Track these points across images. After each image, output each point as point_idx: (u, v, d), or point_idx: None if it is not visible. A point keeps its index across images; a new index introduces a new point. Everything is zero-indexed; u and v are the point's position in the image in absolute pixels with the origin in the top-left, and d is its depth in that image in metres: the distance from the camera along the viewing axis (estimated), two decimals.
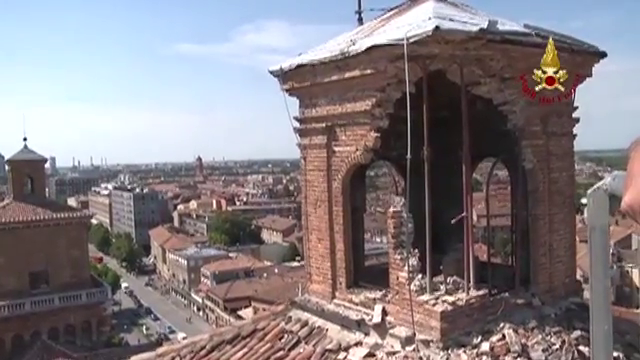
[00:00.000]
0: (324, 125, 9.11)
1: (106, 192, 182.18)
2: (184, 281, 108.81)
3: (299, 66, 9.15)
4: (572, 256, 9.38)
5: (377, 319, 8.27)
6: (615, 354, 7.91)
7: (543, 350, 7.39)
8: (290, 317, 9.92)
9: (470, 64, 7.93)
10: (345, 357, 8.31)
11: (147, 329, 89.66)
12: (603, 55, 9.28)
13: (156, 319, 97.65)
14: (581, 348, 7.77)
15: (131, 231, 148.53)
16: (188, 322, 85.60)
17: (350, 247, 9.19)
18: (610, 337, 2.42)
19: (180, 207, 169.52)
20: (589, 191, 2.06)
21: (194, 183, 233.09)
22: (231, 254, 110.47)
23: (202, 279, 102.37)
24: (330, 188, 9.15)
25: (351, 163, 8.81)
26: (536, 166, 8.72)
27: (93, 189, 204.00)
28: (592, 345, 2.51)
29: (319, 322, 9.37)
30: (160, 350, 10.64)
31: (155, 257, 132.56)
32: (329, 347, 8.67)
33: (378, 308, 8.36)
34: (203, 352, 10.00)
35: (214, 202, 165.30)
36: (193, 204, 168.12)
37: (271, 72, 9.80)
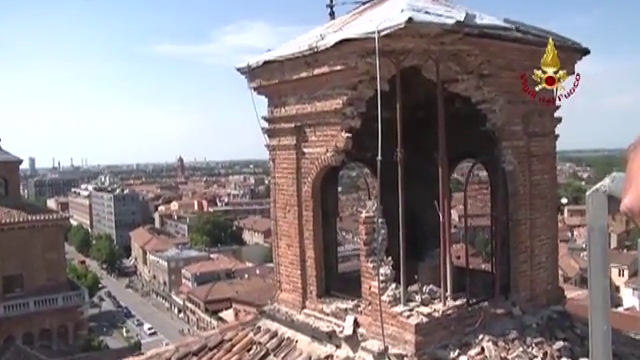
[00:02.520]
0: (293, 125, 8.61)
1: (86, 193, 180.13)
2: (165, 283, 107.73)
3: (266, 62, 8.63)
4: (554, 262, 8.95)
5: (348, 331, 7.78)
6: None
7: None
8: (259, 327, 9.41)
9: (446, 60, 7.46)
10: None
11: (127, 331, 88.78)
12: (586, 52, 8.88)
13: (129, 316, 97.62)
14: None
15: (112, 232, 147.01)
16: (181, 334, 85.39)
17: (321, 254, 8.69)
18: (609, 338, 2.43)
19: (161, 208, 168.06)
20: (588, 192, 2.11)
21: (175, 184, 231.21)
22: (212, 255, 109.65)
23: (183, 280, 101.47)
24: (300, 192, 8.65)
25: (321, 165, 8.31)
26: (517, 168, 8.28)
27: (73, 190, 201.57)
28: (591, 346, 2.52)
29: (289, 333, 8.86)
30: None
31: (136, 259, 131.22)
32: None
33: (349, 319, 7.86)
34: None
35: (195, 203, 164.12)
36: (174, 205, 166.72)
37: (238, 69, 9.27)
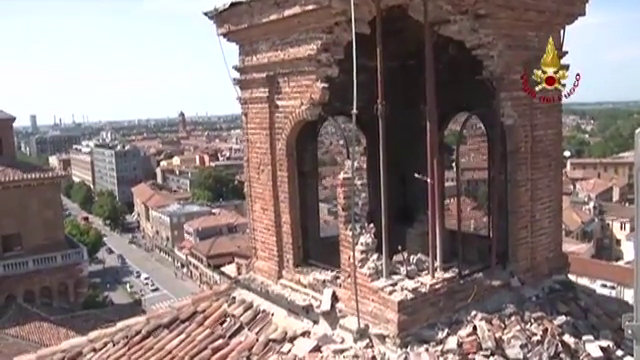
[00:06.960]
0: (265, 75, 7.63)
1: (88, 150, 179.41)
2: (167, 238, 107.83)
3: (234, 5, 7.61)
4: (557, 227, 8.05)
5: (326, 306, 6.97)
6: (604, 343, 6.72)
7: (521, 346, 6.12)
8: (234, 298, 8.65)
9: None
10: (289, 350, 7.03)
11: (131, 287, 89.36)
12: None
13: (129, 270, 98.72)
14: (565, 338, 6.54)
15: (114, 189, 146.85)
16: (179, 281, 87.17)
17: (298, 218, 7.82)
18: None
19: (163, 163, 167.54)
20: (638, 130, 2.16)
21: (177, 139, 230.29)
22: (214, 210, 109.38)
23: (185, 236, 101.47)
24: (274, 150, 7.74)
25: (296, 120, 7.36)
26: (517, 122, 7.30)
27: (74, 147, 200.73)
28: (636, 288, 2.49)
29: (264, 305, 8.09)
30: (92, 335, 9.40)
31: (138, 214, 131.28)
32: (273, 336, 7.40)
33: (327, 293, 7.05)
34: (138, 337, 8.80)
35: (197, 158, 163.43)
36: (176, 160, 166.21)
37: (205, 14, 8.24)
